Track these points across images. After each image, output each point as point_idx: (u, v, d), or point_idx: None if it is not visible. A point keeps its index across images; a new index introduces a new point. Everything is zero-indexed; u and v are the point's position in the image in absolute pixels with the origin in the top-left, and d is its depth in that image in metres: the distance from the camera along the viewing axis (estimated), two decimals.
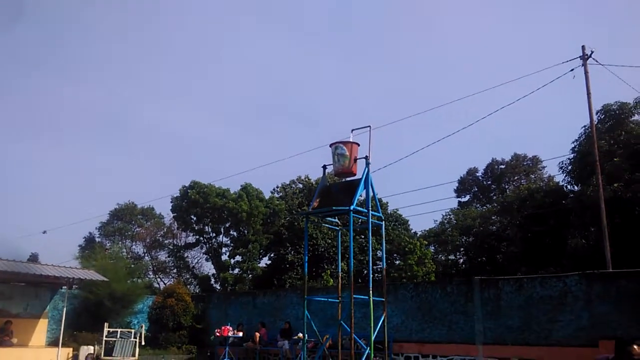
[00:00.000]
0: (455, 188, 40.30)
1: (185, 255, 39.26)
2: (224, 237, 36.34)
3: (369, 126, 14.19)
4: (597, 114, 22.47)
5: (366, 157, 14.09)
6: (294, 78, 77.56)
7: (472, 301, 15.95)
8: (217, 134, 72.48)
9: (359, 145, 14.36)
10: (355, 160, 14.08)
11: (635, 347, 5.38)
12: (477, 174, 40.45)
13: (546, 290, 14.73)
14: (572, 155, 23.87)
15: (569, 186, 25.25)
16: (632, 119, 22.78)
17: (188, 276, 38.95)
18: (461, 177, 40.41)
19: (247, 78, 78.76)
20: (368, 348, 13.33)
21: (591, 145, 19.30)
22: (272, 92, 76.46)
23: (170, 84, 79.76)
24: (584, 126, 22.70)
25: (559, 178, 26.77)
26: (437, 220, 36.00)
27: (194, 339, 22.85)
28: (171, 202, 34.95)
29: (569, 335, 13.98)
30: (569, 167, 24.08)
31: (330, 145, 14.35)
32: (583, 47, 19.49)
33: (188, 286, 34.58)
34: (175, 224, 37.45)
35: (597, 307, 13.78)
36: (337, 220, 16.62)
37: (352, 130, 14.43)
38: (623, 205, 18.70)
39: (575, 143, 23.74)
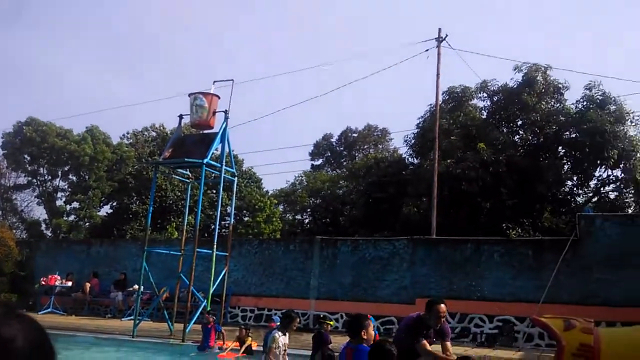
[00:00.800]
0: (310, 151, 41.39)
1: (14, 197, 35.51)
2: (61, 181, 33.49)
3: (232, 80, 13.85)
4: (443, 94, 24.39)
5: (225, 111, 13.76)
6: (163, 20, 72.33)
7: (312, 259, 16.71)
8: (61, 65, 65.06)
9: (219, 98, 13.95)
10: (214, 113, 13.68)
11: (442, 305, 5.98)
12: (332, 140, 41.88)
13: (378, 251, 15.94)
14: (416, 131, 25.70)
15: (410, 158, 27.24)
16: (472, 102, 25.09)
17: (15, 220, 35.36)
18: (317, 141, 41.55)
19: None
20: (205, 300, 13.36)
21: (433, 123, 20.95)
22: (134, 28, 70.52)
23: None
24: (430, 104, 24.50)
25: (403, 150, 28.71)
26: (289, 181, 36.83)
27: (16, 287, 20.94)
28: (1, 137, 31.26)
29: (392, 294, 15.35)
30: (412, 141, 25.93)
31: (189, 95, 13.75)
32: (439, 30, 20.84)
33: (14, 231, 31.43)
34: (5, 162, 33.58)
35: (418, 269, 15.28)
36: (188, 172, 16.16)
37: (214, 82, 13.99)
38: (452, 180, 20.68)
39: (420, 119, 25.57)
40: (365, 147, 40.84)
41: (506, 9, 63.89)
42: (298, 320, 8.05)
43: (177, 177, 17.38)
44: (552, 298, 12.71)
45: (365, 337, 4.51)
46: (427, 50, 20.69)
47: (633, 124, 21.47)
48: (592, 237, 13.54)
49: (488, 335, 13.24)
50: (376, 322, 12.81)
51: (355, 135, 40.84)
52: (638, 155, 21.49)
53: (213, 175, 16.22)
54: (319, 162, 41.72)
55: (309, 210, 34.40)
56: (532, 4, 61.99)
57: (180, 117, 14.13)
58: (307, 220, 34.80)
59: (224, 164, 13.56)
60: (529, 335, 13.41)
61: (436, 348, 5.93)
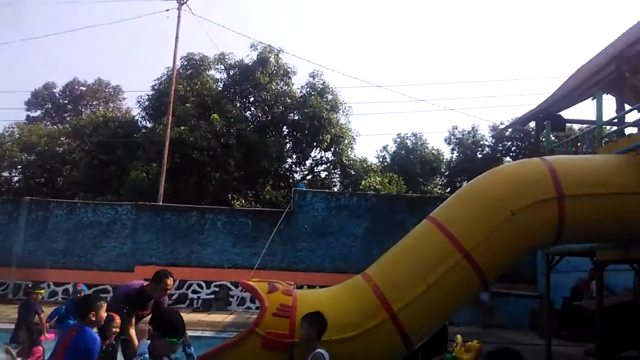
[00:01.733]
0: (27, 100, 36.19)
1: None
2: None
3: None
4: (181, 59, 24.00)
5: None
6: None
7: (17, 222, 14.79)
8: None
9: None
10: None
11: (170, 279, 5.85)
12: (55, 90, 37.30)
13: (98, 216, 15.00)
14: (151, 93, 24.78)
15: (143, 121, 26.16)
16: (209, 72, 25.31)
17: None
18: (36, 90, 36.50)
19: None
20: None
21: (170, 88, 20.50)
22: None
23: None
24: (167, 68, 23.88)
25: (136, 112, 27.41)
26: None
27: None
28: None
29: (110, 261, 14.67)
30: (146, 103, 24.94)
31: None
32: None
33: None
34: None
35: (141, 236, 14.93)
36: None
37: None
38: (184, 147, 20.64)
39: (156, 82, 24.73)
40: (95, 103, 37.61)
41: None
42: None
43: None
44: (265, 264, 13.94)
45: (94, 319, 4.16)
46: (167, 10, 20.11)
47: (344, 113, 24.66)
48: (303, 210, 15.24)
49: (204, 301, 13.80)
50: (89, 290, 12.13)
51: (83, 88, 37.21)
52: (345, 141, 24.85)
53: None
54: (37, 113, 36.81)
55: (19, 167, 30.15)
56: None
57: None
58: (16, 178, 30.48)
59: None
60: (242, 299, 14.48)
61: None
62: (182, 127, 21.09)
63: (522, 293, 13.54)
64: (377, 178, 23.85)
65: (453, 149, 31.84)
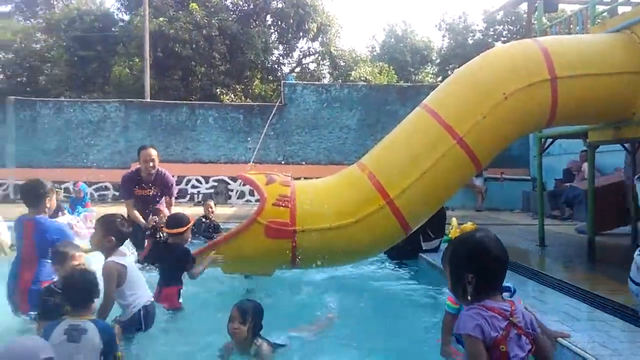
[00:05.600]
0: None
1: None
2: None
3: None
4: None
5: None
6: None
7: (5, 123, 14.63)
8: None
9: None
10: None
11: (149, 149, 6.02)
12: None
13: (86, 115, 14.86)
14: None
15: (119, 13, 25.03)
16: None
17: None
18: None
19: None
20: None
21: None
22: None
23: None
24: None
25: (110, 3, 26.09)
26: None
27: None
28: None
29: (105, 159, 14.77)
30: None
31: None
32: None
33: None
34: None
35: (133, 134, 14.90)
36: None
37: None
38: (166, 41, 19.93)
39: None
40: None
41: None
42: None
43: None
44: (260, 159, 14.12)
45: (48, 205, 4.11)
46: None
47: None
48: (294, 103, 15.15)
49: (204, 195, 14.11)
50: (89, 188, 12.36)
51: None
52: (333, 30, 24.08)
53: None
54: (7, 8, 34.83)
55: None
56: None
57: None
58: None
59: None
60: (241, 192, 14.85)
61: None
62: (161, 19, 20.23)
63: (514, 177, 13.99)
64: (368, 68, 23.50)
65: (444, 36, 31.11)
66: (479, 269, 2.09)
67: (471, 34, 30.03)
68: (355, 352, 3.58)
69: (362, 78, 22.09)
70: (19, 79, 28.32)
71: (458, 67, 5.76)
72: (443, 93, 5.27)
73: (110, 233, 3.62)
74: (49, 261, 3.73)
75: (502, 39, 28.46)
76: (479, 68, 5.18)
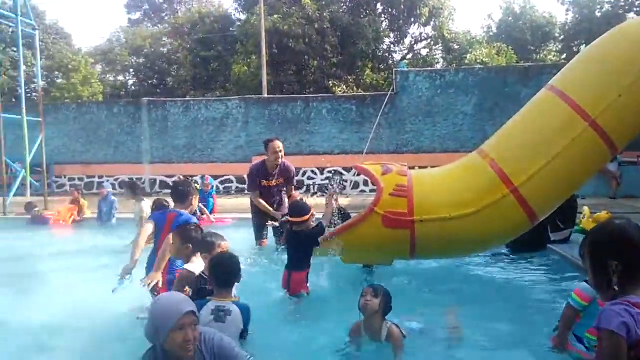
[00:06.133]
0: (126, 3, 37.35)
1: None
2: None
3: None
4: None
5: None
6: None
7: (140, 122, 16.02)
8: None
9: None
10: None
11: (276, 142, 6.29)
12: None
13: (211, 112, 15.81)
14: None
15: (236, 14, 26.27)
16: None
17: None
18: None
19: None
20: (23, 171, 12.34)
21: None
22: None
23: None
24: None
25: (228, 5, 27.45)
26: (104, 37, 33.42)
27: None
28: None
29: (228, 153, 15.65)
30: None
31: None
32: None
33: None
34: None
35: (253, 128, 15.62)
36: None
37: None
38: (280, 37, 20.61)
39: None
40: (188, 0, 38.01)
41: None
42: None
43: None
44: (373, 149, 14.10)
45: (194, 203, 4.49)
46: None
47: None
48: (407, 91, 14.92)
49: (320, 186, 14.45)
50: (215, 181, 13.18)
51: None
52: (445, 13, 23.33)
53: (11, 30, 14.04)
54: (137, 15, 38.04)
55: (132, 70, 32.01)
56: None
57: None
58: (131, 82, 32.52)
59: (19, 14, 11.76)
60: (356, 183, 14.99)
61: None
62: (275, 16, 20.92)
63: None
64: (484, 50, 22.47)
65: (567, 10, 28.80)
66: (623, 256, 1.93)
67: (599, 6, 27.51)
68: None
69: (477, 61, 21.18)
70: (150, 82, 30.86)
71: (585, 44, 5.33)
72: (572, 72, 4.91)
73: (187, 241, 3.87)
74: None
75: (635, 9, 25.74)
76: (613, 44, 4.75)
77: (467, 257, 5.67)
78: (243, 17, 25.26)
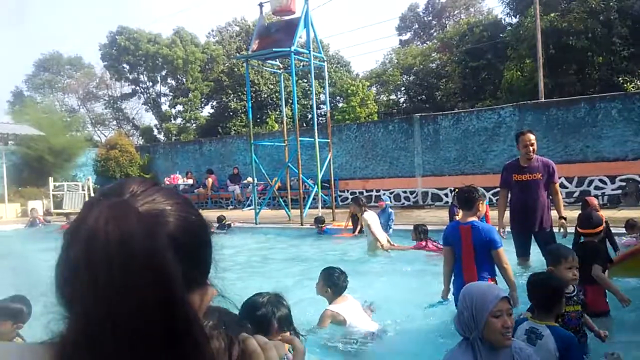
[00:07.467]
0: (397, 26, 39.51)
1: (123, 107, 38.13)
2: (161, 86, 35.14)
3: None
4: None
5: None
6: None
7: (413, 137, 16.62)
8: None
9: None
10: None
11: (527, 134, 5.99)
12: (419, 10, 39.48)
13: (482, 122, 15.46)
14: None
15: (507, 18, 25.24)
16: None
17: (129, 128, 38.19)
18: (402, 14, 39.42)
19: None
20: (315, 187, 13.98)
21: None
22: None
23: None
24: None
25: (498, 10, 26.61)
26: (378, 61, 35.90)
27: None
28: (99, 50, 32.91)
29: (501, 164, 14.98)
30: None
31: None
32: None
33: (130, 137, 34.05)
34: (108, 73, 35.58)
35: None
36: (278, 63, 16.25)
37: None
38: (558, 36, 19.02)
39: None
40: (456, 12, 38.21)
41: None
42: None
43: (268, 68, 17.59)
44: None
45: (480, 209, 4.50)
46: None
47: None
48: None
49: (610, 197, 12.76)
50: (487, 194, 12.80)
51: (443, 1, 38.11)
52: None
53: (303, 63, 16.16)
54: (407, 36, 39.86)
55: (403, 88, 33.64)
56: None
57: (261, 5, 13.90)
58: (402, 100, 34.18)
59: (311, 49, 13.37)
60: None
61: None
62: (552, 14, 19.41)
63: None
64: None
65: None
66: None
67: None
68: None
69: None
70: (419, 98, 31.93)
71: None
72: None
73: (327, 284, 3.99)
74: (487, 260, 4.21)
75: None
76: None
77: None
78: (514, 20, 24.17)
